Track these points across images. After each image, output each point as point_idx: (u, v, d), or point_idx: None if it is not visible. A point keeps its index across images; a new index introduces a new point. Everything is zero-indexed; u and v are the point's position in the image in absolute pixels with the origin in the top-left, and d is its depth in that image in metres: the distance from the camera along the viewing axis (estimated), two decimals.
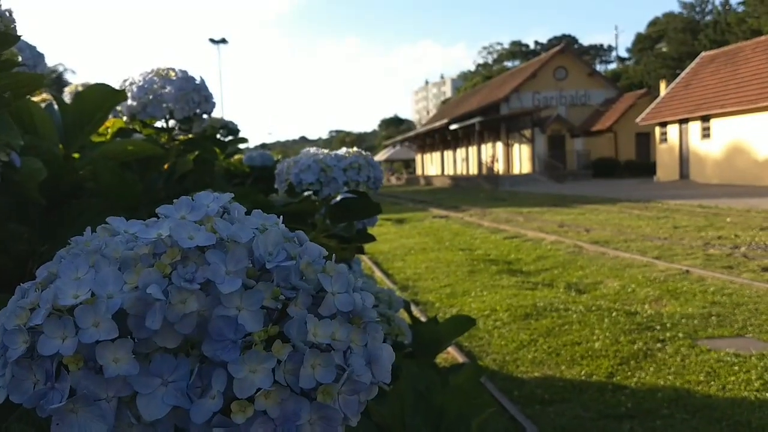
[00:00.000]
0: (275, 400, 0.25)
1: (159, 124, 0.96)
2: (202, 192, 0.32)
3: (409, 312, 1.28)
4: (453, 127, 23.99)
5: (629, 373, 2.53)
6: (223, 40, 30.14)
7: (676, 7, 34.29)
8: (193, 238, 0.27)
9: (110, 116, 0.92)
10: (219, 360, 0.25)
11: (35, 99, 0.78)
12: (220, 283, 0.26)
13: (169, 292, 0.25)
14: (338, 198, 0.96)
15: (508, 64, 50.25)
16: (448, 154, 29.59)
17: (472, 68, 59.27)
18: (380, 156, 39.44)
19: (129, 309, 0.25)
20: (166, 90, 0.88)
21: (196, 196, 0.31)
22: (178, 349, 0.25)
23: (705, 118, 15.36)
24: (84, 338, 0.24)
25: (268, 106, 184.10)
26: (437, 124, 27.73)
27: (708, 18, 32.56)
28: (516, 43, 55.05)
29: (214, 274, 0.26)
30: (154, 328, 0.24)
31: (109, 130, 0.92)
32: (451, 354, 2.79)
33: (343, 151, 0.99)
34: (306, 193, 0.94)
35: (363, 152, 0.99)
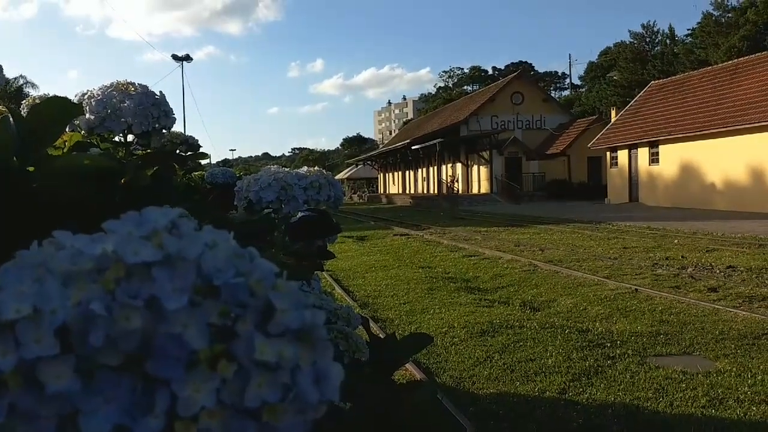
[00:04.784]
0: (219, 418, 0.25)
1: (118, 138, 0.94)
2: (149, 206, 0.32)
3: (368, 329, 1.28)
4: (415, 147, 24.29)
5: (581, 390, 2.59)
6: (188, 57, 29.88)
7: (626, 38, 35.97)
8: (139, 253, 0.27)
9: (68, 130, 0.90)
10: (163, 378, 0.25)
11: None
12: (165, 299, 0.26)
13: (112, 308, 0.25)
14: (298, 216, 0.96)
15: (468, 87, 51.50)
16: (410, 173, 29.87)
17: (434, 91, 60.40)
18: (343, 174, 39.48)
19: (72, 324, 0.25)
20: (125, 104, 0.88)
21: (144, 210, 0.31)
22: (122, 366, 0.25)
23: (653, 144, 16.06)
24: (25, 354, 0.23)
25: (233, 122, 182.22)
26: (399, 144, 28.01)
27: (657, 48, 34.24)
28: (475, 68, 56.57)
29: (160, 291, 0.26)
30: (96, 345, 0.24)
31: (66, 144, 0.90)
32: (409, 370, 2.79)
33: (304, 169, 0.99)
34: (265, 211, 0.94)
35: (324, 171, 1.00)
